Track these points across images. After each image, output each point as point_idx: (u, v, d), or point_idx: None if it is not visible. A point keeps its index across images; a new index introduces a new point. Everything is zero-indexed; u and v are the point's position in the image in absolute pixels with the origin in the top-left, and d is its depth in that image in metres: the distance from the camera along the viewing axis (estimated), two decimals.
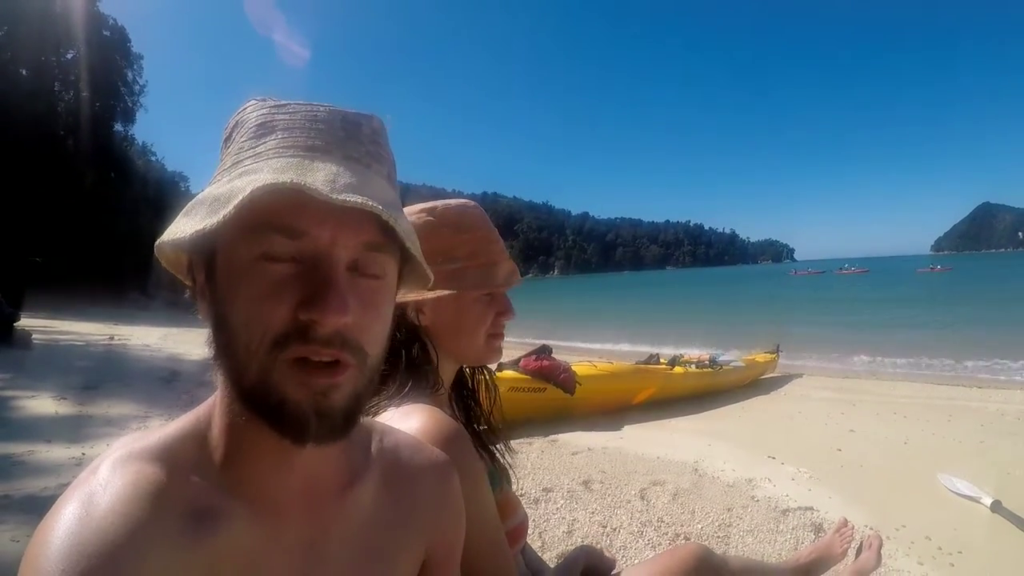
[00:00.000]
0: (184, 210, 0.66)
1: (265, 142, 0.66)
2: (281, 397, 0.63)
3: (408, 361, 1.31)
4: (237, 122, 0.70)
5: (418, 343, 1.33)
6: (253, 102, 0.71)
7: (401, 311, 1.30)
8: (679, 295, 65.30)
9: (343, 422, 0.66)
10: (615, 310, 44.22)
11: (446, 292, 1.29)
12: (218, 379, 0.69)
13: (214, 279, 0.66)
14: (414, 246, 0.72)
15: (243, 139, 0.68)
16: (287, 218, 0.62)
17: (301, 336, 0.62)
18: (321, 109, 0.70)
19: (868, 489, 5.24)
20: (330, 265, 0.64)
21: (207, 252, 0.66)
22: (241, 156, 0.67)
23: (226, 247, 0.64)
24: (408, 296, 1.07)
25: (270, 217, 0.62)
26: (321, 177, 0.62)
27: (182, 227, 0.63)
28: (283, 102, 0.70)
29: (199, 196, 0.65)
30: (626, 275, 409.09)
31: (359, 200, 0.62)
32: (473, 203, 1.41)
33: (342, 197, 0.61)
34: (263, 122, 0.68)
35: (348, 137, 0.69)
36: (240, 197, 0.58)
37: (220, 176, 0.68)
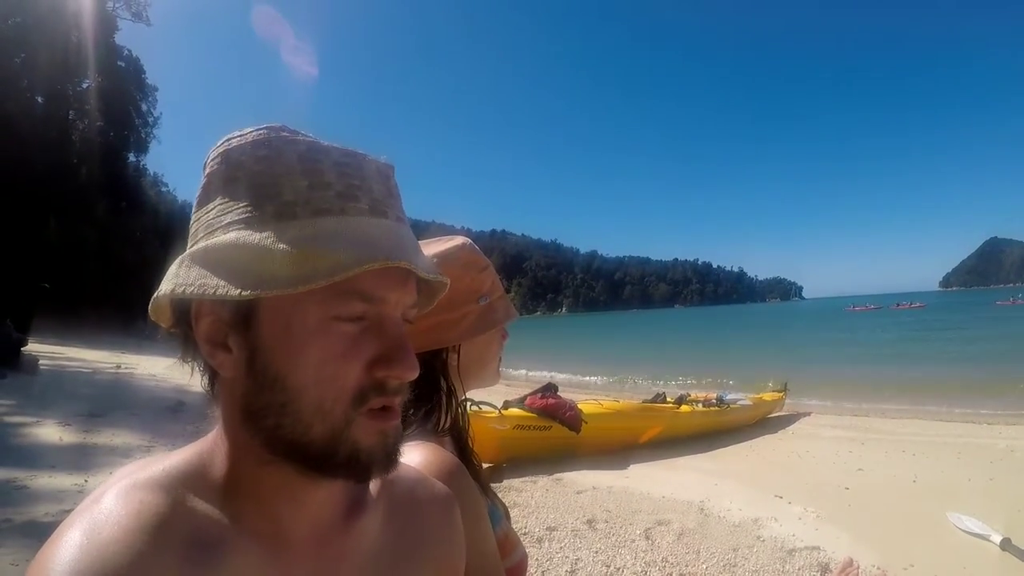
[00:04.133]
0: (203, 258, 0.63)
1: (322, 195, 0.64)
2: (355, 448, 0.65)
3: (434, 402, 1.32)
4: (264, 158, 0.65)
5: (445, 384, 1.35)
6: (282, 133, 0.67)
7: (435, 355, 1.33)
8: (711, 337, 58.55)
9: (398, 457, 0.71)
10: (623, 348, 43.99)
11: (490, 330, 1.34)
12: (231, 422, 0.68)
13: (258, 335, 0.64)
14: (438, 300, 0.80)
15: (284, 183, 0.64)
16: (372, 286, 0.64)
17: (378, 390, 0.66)
18: (364, 159, 0.69)
19: (876, 528, 5.18)
20: (397, 325, 0.68)
21: (243, 307, 0.63)
22: (294, 207, 0.63)
23: (286, 305, 0.63)
24: (452, 340, 1.24)
25: (357, 284, 0.63)
26: (410, 252, 0.67)
27: (226, 281, 0.60)
28: (319, 143, 0.68)
29: (232, 242, 0.62)
30: (634, 313, 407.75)
31: (442, 279, 0.73)
32: (462, 238, 1.44)
33: (432, 276, 0.70)
34: (310, 167, 0.65)
35: (388, 194, 0.70)
36: (350, 271, 0.60)
37: (258, 223, 0.63)
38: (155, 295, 0.65)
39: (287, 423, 0.64)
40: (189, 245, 0.66)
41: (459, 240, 1.40)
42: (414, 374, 0.67)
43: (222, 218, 0.64)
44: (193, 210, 0.68)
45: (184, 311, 0.66)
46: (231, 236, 0.62)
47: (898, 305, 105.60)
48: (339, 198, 0.64)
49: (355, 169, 0.67)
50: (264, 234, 0.61)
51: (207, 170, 0.68)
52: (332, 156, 0.67)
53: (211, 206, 0.65)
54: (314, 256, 0.60)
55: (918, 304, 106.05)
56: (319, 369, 0.63)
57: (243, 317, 0.63)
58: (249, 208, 0.63)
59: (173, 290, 0.62)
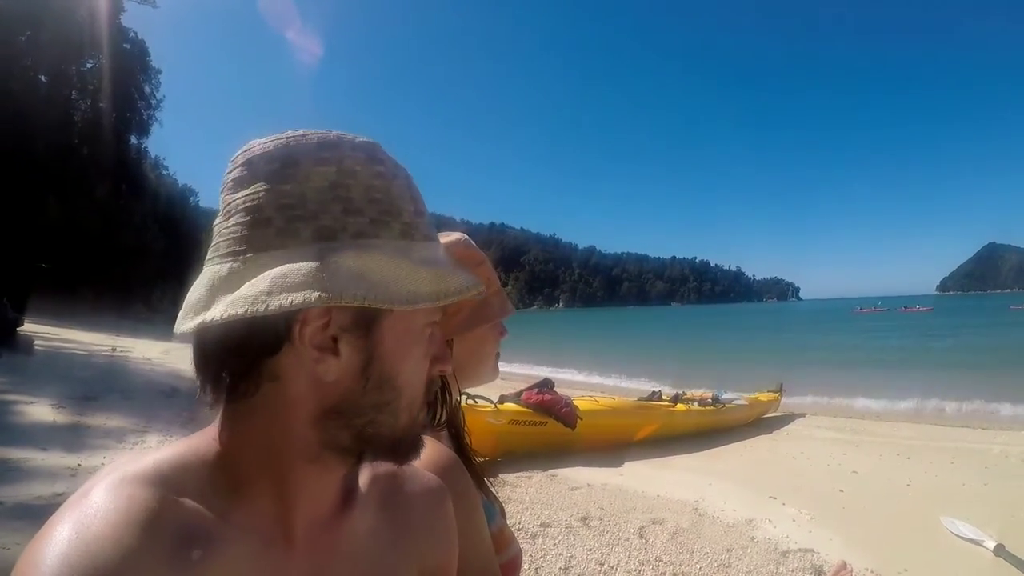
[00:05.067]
0: (352, 267, 0.63)
1: (423, 221, 0.72)
2: (418, 432, 0.75)
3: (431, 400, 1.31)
4: (382, 175, 0.69)
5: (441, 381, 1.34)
6: (383, 151, 0.72)
7: None
8: (711, 337, 56.46)
9: None
10: (619, 345, 44.04)
11: (484, 325, 1.35)
12: (283, 421, 0.67)
13: (379, 340, 0.68)
14: None
15: (401, 206, 0.70)
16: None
17: (433, 382, 0.76)
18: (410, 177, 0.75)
19: (870, 531, 5.20)
20: (440, 328, 0.77)
21: (369, 313, 0.66)
22: (412, 228, 0.70)
23: (406, 314, 0.69)
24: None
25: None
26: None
27: (387, 293, 0.64)
28: (387, 162, 0.72)
29: (382, 257, 0.65)
30: (632, 310, 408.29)
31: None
32: (460, 233, 1.43)
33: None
34: (413, 195, 0.72)
35: None
36: (469, 292, 0.69)
37: (390, 240, 0.67)
38: (298, 302, 0.60)
39: (383, 419, 0.70)
40: (283, 242, 0.64)
41: (455, 235, 1.39)
42: (450, 367, 0.78)
43: (344, 226, 0.65)
44: (274, 200, 0.65)
45: (275, 317, 0.62)
46: (375, 249, 0.65)
47: (905, 308, 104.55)
48: (430, 226, 0.73)
49: (414, 190, 0.74)
50: (403, 250, 0.67)
51: (304, 164, 0.66)
52: (415, 184, 0.74)
53: (318, 207, 0.65)
54: (445, 276, 0.69)
55: (926, 308, 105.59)
56: (415, 367, 0.72)
57: (366, 323, 0.66)
58: (376, 223, 0.67)
59: (341, 296, 0.61)
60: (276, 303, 0.60)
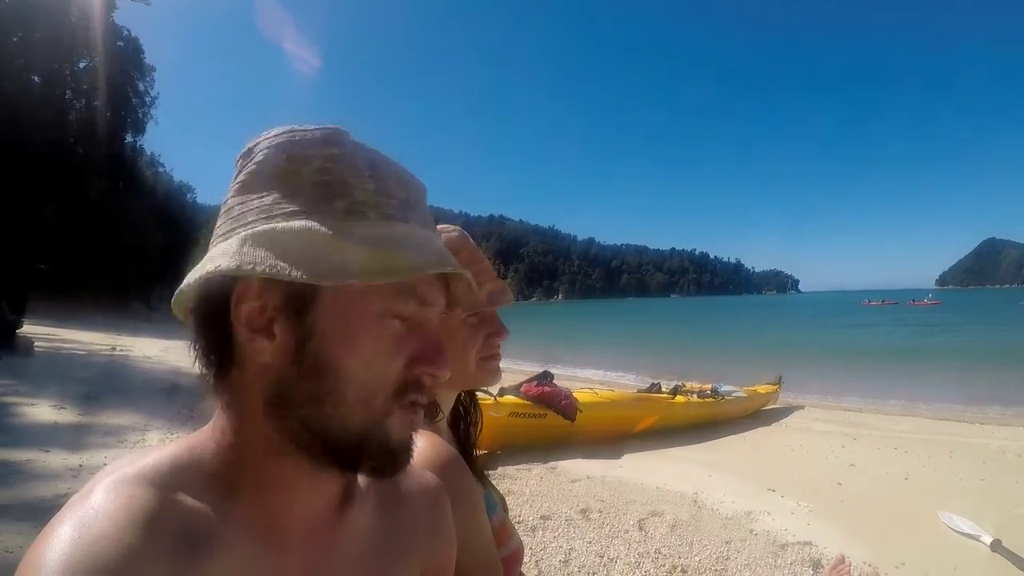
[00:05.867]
0: (270, 241, 0.63)
1: (388, 201, 0.69)
2: (387, 439, 0.68)
3: None
4: (335, 156, 0.68)
5: None
6: (348, 136, 0.71)
7: None
8: (714, 330, 55.81)
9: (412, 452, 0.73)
10: (619, 337, 43.91)
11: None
12: (246, 411, 0.67)
13: (314, 322, 0.65)
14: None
15: (354, 184, 0.67)
16: (427, 291, 0.70)
17: (415, 387, 0.70)
18: (413, 177, 0.74)
19: (868, 525, 5.21)
20: (434, 327, 0.73)
21: (300, 293, 0.64)
22: (364, 207, 0.67)
23: (349, 296, 0.66)
24: None
25: (418, 287, 0.69)
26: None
27: (301, 266, 0.62)
28: (380, 153, 0.72)
29: (305, 229, 0.63)
30: (631, 301, 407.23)
31: (473, 287, 0.76)
32: (454, 227, 1.40)
33: (473, 286, 0.75)
34: (377, 174, 0.70)
35: (428, 211, 0.75)
36: (426, 270, 0.65)
37: (328, 217, 0.65)
38: (207, 272, 0.63)
39: (327, 411, 0.66)
40: (233, 227, 0.66)
41: (440, 226, 1.37)
42: (447, 373, 0.71)
43: (284, 205, 0.65)
44: (236, 192, 0.69)
45: (215, 295, 0.65)
46: (301, 223, 0.64)
47: (914, 302, 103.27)
48: (401, 208, 0.69)
49: (408, 184, 0.72)
50: (340, 226, 0.64)
51: (259, 156, 0.68)
52: (393, 168, 0.72)
53: (266, 192, 0.67)
54: (393, 254, 0.64)
55: (934, 301, 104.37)
56: (370, 360, 0.66)
57: (299, 303, 0.65)
58: (317, 201, 0.66)
59: (239, 267, 0.61)
60: (195, 277, 0.64)
